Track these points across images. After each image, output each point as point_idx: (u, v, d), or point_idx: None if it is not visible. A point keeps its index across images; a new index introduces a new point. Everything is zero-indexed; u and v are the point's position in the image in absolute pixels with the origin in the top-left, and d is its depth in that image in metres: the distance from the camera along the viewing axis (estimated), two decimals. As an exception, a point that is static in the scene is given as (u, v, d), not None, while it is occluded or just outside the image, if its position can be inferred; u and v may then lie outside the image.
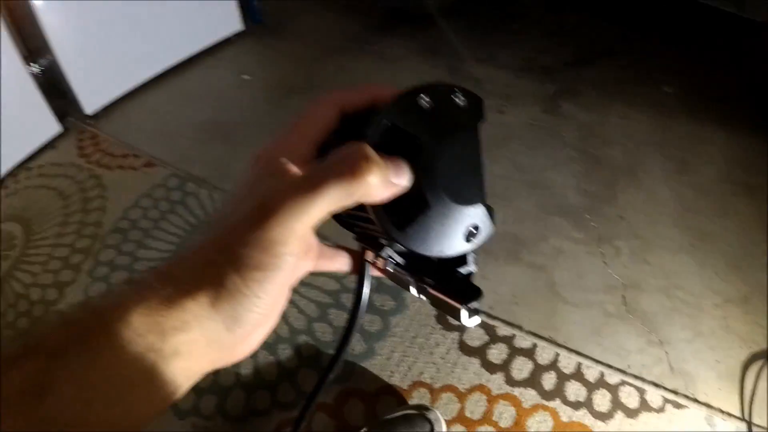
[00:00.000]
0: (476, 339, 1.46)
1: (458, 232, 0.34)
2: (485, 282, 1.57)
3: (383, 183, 0.30)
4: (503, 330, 1.49)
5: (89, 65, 2.05)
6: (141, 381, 0.27)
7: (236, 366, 1.28)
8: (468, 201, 0.34)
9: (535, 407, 1.34)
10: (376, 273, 0.41)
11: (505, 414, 1.29)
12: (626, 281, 1.57)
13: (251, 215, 0.29)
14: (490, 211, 0.35)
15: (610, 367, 1.45)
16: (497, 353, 1.41)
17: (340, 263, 0.41)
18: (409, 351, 1.36)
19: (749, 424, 1.40)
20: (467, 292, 0.35)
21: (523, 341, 1.47)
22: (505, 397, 1.33)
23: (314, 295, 1.51)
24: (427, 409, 1.18)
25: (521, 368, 1.42)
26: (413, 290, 0.38)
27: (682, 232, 1.70)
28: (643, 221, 1.72)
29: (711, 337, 1.52)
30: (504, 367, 1.37)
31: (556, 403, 1.37)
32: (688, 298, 1.56)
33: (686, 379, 1.45)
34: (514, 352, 1.43)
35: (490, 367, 1.37)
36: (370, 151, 0.30)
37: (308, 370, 1.31)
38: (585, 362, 1.45)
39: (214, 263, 0.29)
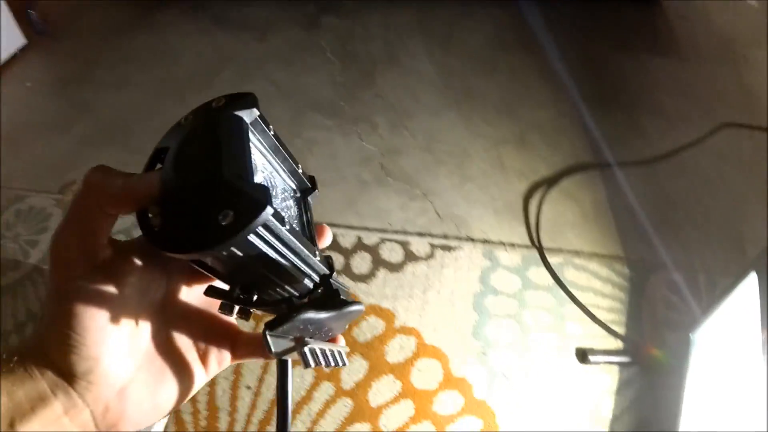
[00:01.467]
0: None
1: (209, 220, 0.27)
2: None
3: (113, 185, 0.30)
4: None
5: None
6: None
7: (22, 333, 1.21)
8: (205, 185, 0.29)
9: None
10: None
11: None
12: (383, 150, 1.42)
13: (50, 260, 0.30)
14: (258, 190, 0.28)
15: (367, 229, 1.26)
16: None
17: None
18: None
19: (540, 248, 1.21)
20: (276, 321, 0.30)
21: None
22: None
23: None
24: None
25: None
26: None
27: (445, 95, 1.57)
28: (402, 95, 1.58)
29: (482, 178, 1.35)
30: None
31: (311, 278, 1.18)
32: (454, 149, 1.40)
33: (457, 222, 1.26)
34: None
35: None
36: (102, 166, 0.31)
37: None
38: (339, 231, 1.27)
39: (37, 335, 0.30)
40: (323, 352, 0.34)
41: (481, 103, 1.52)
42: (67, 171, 1.49)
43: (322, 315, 0.31)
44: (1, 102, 1.98)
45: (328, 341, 0.37)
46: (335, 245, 1.23)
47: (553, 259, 1.20)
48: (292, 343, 0.31)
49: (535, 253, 1.21)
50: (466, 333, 1.11)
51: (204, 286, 0.34)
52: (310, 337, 0.33)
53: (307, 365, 0.31)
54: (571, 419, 1.03)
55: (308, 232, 0.38)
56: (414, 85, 1.60)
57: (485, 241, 1.22)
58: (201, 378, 0.36)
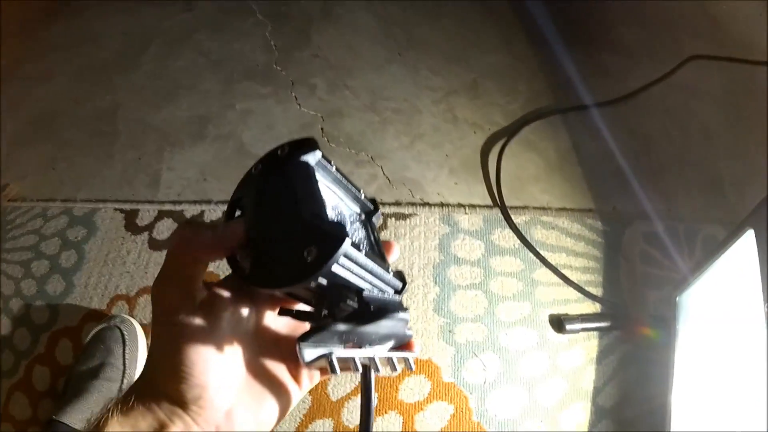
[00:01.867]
0: (165, 231, 1.15)
1: (296, 257, 0.31)
2: (171, 173, 1.23)
3: (204, 237, 0.34)
4: (191, 210, 1.17)
5: None
6: None
7: None
8: (287, 227, 0.33)
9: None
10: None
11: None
12: (324, 113, 1.25)
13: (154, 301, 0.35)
14: (335, 226, 0.32)
15: None
16: (187, 235, 1.08)
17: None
18: (104, 270, 1.12)
19: (502, 208, 1.07)
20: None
21: (213, 214, 1.15)
22: (202, 276, 1.00)
23: (17, 257, 1.20)
24: (112, 318, 1.00)
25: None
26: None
27: (388, 47, 1.41)
28: (341, 52, 1.42)
29: (434, 135, 1.20)
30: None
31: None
32: (401, 106, 1.25)
33: (410, 186, 1.12)
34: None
35: (182, 252, 1.04)
36: (191, 222, 0.37)
37: (20, 330, 1.09)
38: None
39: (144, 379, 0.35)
40: (371, 359, 0.34)
41: (427, 52, 1.36)
42: (-2, 175, 1.31)
43: (349, 326, 0.33)
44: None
45: (402, 347, 0.38)
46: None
47: (518, 219, 1.07)
48: (326, 351, 0.32)
49: (497, 214, 1.08)
50: (429, 310, 0.97)
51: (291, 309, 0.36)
52: (368, 345, 0.35)
53: (333, 371, 0.32)
54: (549, 395, 0.91)
55: (377, 250, 0.40)
56: (353, 40, 1.43)
57: (442, 205, 1.08)
58: (296, 394, 0.39)
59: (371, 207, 0.42)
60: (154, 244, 1.13)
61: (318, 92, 1.30)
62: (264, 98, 1.31)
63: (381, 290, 0.35)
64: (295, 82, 1.33)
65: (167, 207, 1.18)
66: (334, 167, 0.37)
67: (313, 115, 1.25)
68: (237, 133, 1.27)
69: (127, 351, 0.95)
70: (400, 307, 0.37)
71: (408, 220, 1.07)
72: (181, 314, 0.33)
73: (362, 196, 0.41)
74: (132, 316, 1.04)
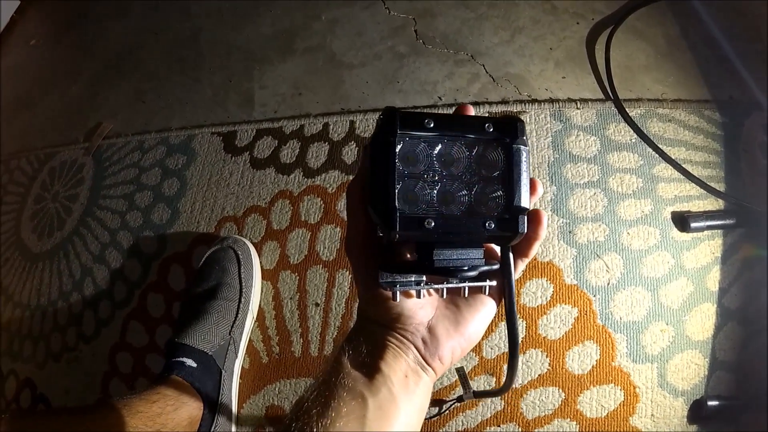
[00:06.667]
0: (266, 149, 0.98)
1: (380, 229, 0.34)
2: (264, 91, 1.05)
3: (356, 193, 0.36)
4: (290, 126, 1.00)
5: None
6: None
7: (81, 290, 0.97)
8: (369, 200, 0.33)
9: (342, 187, 0.90)
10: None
11: (312, 209, 0.90)
12: (415, 14, 1.01)
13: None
14: (390, 214, 0.31)
15: (415, 107, 0.91)
16: (289, 152, 0.97)
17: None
18: (208, 194, 0.97)
19: (616, 100, 0.80)
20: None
21: (313, 127, 0.96)
22: (308, 191, 0.91)
23: (119, 191, 1.05)
24: (224, 239, 0.87)
25: (317, 154, 0.95)
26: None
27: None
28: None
29: (535, 27, 0.94)
30: (299, 162, 0.95)
31: (363, 173, 0.82)
32: (495, 1, 0.94)
33: (516, 82, 0.88)
34: (306, 142, 0.97)
35: (285, 169, 0.95)
36: (351, 182, 0.36)
37: (131, 261, 0.97)
38: (384, 116, 0.86)
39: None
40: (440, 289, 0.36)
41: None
42: (87, 116, 1.17)
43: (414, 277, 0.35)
44: (3, 68, 1.54)
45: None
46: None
47: (632, 112, 0.82)
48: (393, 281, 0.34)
49: (611, 107, 0.82)
50: (547, 210, 0.75)
51: None
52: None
53: (394, 298, 0.34)
54: (674, 297, 0.74)
55: (512, 176, 0.33)
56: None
57: (552, 101, 0.83)
58: (492, 308, 0.37)
59: (497, 135, 0.33)
60: (256, 163, 0.97)
61: (405, -6, 1.02)
62: (350, 5, 1.06)
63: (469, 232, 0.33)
64: (380, -14, 1.05)
65: (265, 125, 1.01)
66: (431, 124, 0.32)
67: (404, 18, 1.00)
68: (326, 43, 1.03)
69: (242, 270, 0.83)
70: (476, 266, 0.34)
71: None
72: (370, 255, 0.35)
73: (488, 126, 0.33)
74: (242, 236, 0.90)
